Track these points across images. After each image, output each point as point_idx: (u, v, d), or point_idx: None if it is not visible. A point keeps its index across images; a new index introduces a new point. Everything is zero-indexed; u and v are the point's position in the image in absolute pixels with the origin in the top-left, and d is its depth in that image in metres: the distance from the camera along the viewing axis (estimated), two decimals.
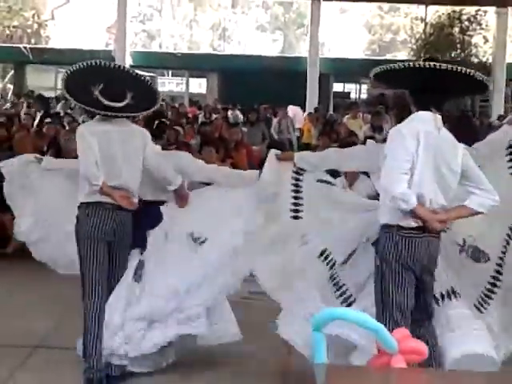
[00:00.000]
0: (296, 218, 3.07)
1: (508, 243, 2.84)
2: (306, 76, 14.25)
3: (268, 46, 29.67)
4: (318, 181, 3.09)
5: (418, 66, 2.54)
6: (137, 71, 3.56)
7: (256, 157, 7.52)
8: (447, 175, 2.53)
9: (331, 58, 17.24)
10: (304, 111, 12.24)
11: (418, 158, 2.47)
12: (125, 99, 3.04)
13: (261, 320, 3.35)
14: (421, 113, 2.57)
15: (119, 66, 3.52)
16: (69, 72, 3.13)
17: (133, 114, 3.23)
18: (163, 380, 3.10)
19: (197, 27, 28.73)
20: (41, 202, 3.41)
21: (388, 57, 22.74)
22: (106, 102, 3.00)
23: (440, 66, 2.43)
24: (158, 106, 3.53)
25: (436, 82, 2.53)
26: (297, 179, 3.09)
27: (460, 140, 2.75)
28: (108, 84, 3.03)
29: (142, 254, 3.21)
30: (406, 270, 2.56)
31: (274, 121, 10.33)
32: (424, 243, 2.56)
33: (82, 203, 3.02)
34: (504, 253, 2.84)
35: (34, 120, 8.89)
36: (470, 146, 2.85)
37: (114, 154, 3.02)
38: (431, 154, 2.51)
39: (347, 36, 28.09)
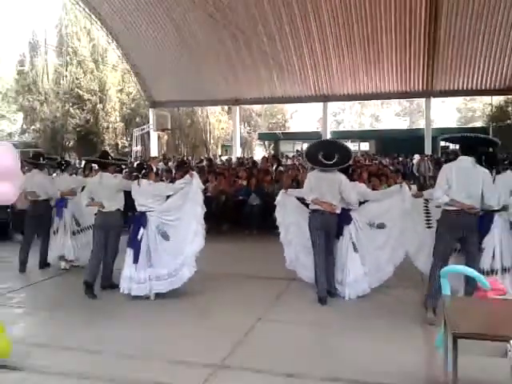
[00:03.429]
0: None
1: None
2: None
3: None
4: None
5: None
6: (340, 141, 6.27)
7: None
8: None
9: None
10: None
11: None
12: (333, 158, 5.48)
13: None
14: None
15: (331, 141, 7.68)
16: (308, 147, 5.97)
17: (336, 167, 5.53)
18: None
19: None
20: (289, 216, 6.07)
21: None
22: (324, 161, 5.48)
23: (470, 135, 4.95)
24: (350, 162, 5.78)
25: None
26: None
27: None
28: (325, 151, 5.55)
29: (351, 237, 5.65)
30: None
31: None
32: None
33: (309, 212, 5.65)
34: None
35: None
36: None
37: (323, 186, 5.50)
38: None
39: None
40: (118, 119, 30.83)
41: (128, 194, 6.14)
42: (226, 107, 31.06)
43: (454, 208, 4.69)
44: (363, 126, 43.90)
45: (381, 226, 5.77)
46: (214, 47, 20.87)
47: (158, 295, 5.69)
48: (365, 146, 29.57)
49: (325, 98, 22.51)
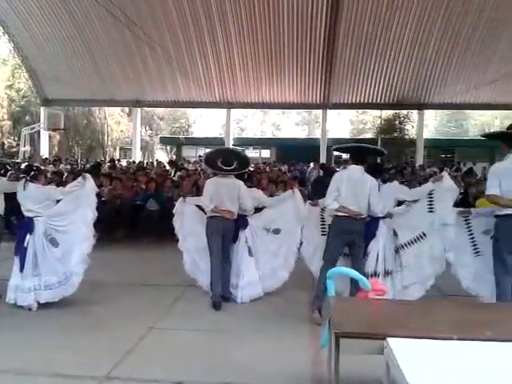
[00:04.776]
0: None
1: None
2: None
3: None
4: None
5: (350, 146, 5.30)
6: (238, 150, 6.60)
7: None
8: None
9: None
10: None
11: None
12: (232, 165, 5.55)
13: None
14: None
15: (230, 149, 7.15)
16: (208, 153, 6.06)
17: (235, 173, 5.60)
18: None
19: None
20: (187, 224, 5.95)
21: None
22: (223, 167, 5.52)
23: (360, 145, 5.18)
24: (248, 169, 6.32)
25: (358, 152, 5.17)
26: None
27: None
28: (224, 157, 5.62)
29: (246, 241, 5.78)
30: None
31: None
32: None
33: (207, 217, 5.61)
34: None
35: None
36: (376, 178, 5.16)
37: (222, 193, 5.50)
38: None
39: None
40: (5, 117, 28.60)
41: (12, 197, 5.69)
42: (126, 109, 30.05)
43: (343, 214, 4.97)
44: (265, 133, 44.95)
45: (276, 232, 5.95)
46: (115, 46, 20.19)
47: (43, 305, 5.32)
48: (266, 153, 30.31)
49: (229, 105, 22.77)
